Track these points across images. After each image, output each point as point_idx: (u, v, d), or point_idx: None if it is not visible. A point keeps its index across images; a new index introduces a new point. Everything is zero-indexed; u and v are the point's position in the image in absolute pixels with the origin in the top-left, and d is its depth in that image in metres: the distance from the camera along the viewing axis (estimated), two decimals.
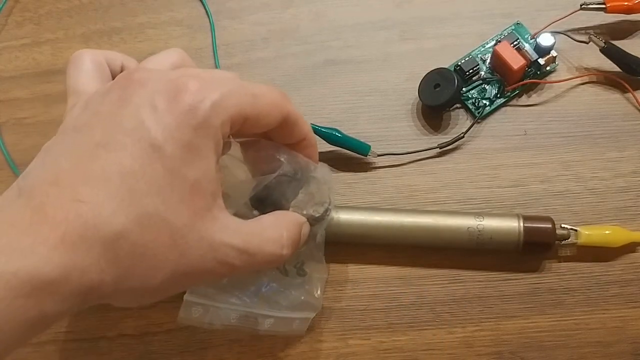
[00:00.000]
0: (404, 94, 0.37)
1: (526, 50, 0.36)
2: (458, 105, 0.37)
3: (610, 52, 0.36)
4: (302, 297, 0.31)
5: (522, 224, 0.32)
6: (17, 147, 0.38)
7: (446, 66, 0.37)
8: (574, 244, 0.33)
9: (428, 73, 0.36)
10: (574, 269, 0.33)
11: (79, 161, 0.22)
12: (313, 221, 0.29)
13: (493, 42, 0.38)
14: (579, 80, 0.37)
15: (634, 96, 0.36)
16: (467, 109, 0.37)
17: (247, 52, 0.39)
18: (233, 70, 0.38)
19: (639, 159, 0.35)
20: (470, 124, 0.36)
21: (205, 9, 0.40)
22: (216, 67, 0.38)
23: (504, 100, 0.36)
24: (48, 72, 0.40)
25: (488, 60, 0.37)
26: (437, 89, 0.35)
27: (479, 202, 0.35)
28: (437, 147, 0.35)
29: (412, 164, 0.36)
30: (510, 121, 0.36)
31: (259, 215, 0.28)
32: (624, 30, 0.38)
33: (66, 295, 0.21)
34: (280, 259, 0.26)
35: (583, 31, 0.38)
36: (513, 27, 0.38)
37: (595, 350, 0.32)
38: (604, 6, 0.36)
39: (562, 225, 0.32)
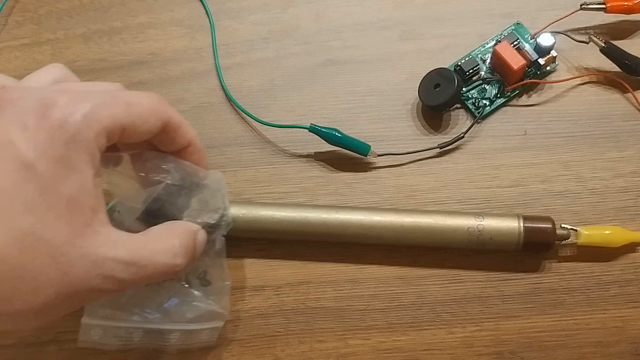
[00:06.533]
0: (404, 94, 0.37)
1: (526, 50, 0.36)
2: (458, 105, 0.37)
3: (610, 52, 0.36)
4: (207, 307, 0.30)
5: (522, 224, 0.32)
6: None
7: (446, 66, 0.37)
8: (574, 244, 0.33)
9: (428, 73, 0.36)
10: (574, 269, 0.33)
11: None
12: (209, 228, 0.29)
13: (493, 42, 0.38)
14: (579, 80, 0.37)
15: (634, 96, 0.36)
16: (467, 109, 0.37)
17: (247, 52, 0.39)
18: (233, 70, 0.38)
19: (639, 159, 0.35)
20: (470, 124, 0.36)
21: (205, 9, 0.40)
22: (216, 67, 0.38)
23: (504, 100, 0.36)
24: None
25: (488, 60, 0.37)
26: (437, 89, 0.35)
27: (479, 202, 0.35)
28: (437, 147, 0.35)
29: (412, 164, 0.36)
30: (510, 121, 0.36)
31: None
32: (624, 30, 0.38)
33: None
34: (176, 269, 0.26)
35: (583, 31, 0.38)
36: (513, 27, 0.38)
37: (595, 350, 0.32)
38: (604, 6, 0.36)
39: (562, 225, 0.32)
